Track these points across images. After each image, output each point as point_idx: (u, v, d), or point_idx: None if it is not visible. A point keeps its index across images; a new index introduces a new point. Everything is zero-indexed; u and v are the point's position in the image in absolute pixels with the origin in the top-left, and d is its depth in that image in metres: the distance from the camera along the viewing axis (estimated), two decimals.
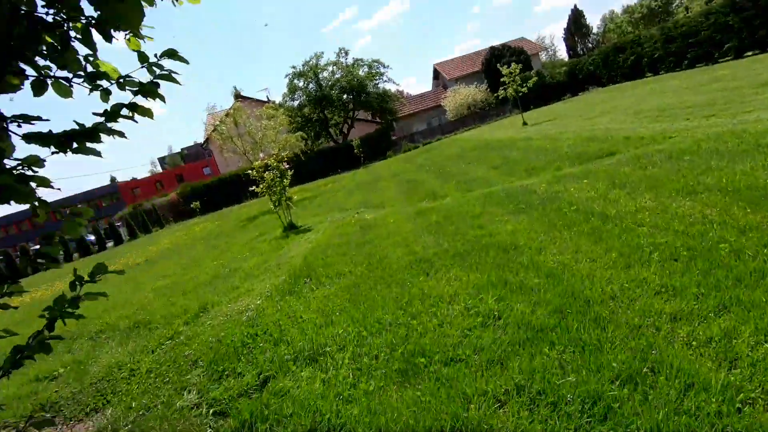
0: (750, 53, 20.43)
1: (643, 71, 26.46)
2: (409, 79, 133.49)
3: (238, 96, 35.22)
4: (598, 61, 29.82)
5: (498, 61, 35.58)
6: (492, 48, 37.44)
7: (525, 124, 20.33)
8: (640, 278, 2.99)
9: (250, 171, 10.71)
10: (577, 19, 38.67)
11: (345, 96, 36.26)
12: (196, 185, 35.20)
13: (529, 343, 2.60)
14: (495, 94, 21.14)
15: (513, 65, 20.71)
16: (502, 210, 5.93)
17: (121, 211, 37.48)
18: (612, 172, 6.03)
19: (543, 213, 5.12)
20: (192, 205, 29.93)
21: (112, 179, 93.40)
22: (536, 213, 5.22)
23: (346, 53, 36.42)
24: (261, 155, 10.74)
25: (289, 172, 10.59)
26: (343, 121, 37.40)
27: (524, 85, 20.41)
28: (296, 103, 35.98)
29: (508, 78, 20.49)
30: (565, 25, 40.61)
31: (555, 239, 4.17)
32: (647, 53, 25.09)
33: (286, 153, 19.54)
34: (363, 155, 30.40)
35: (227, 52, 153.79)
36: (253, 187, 10.47)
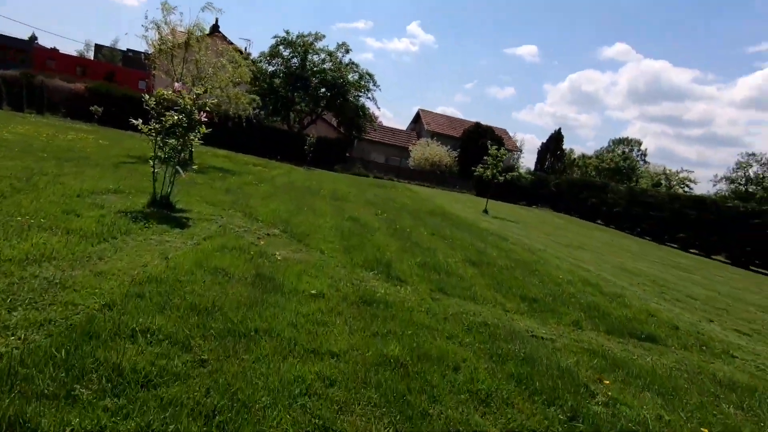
0: (694, 250, 20.62)
1: (597, 217, 26.40)
2: (386, 111, 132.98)
3: (215, 29, 30.24)
4: (563, 187, 29.65)
5: (479, 138, 34.62)
6: (477, 124, 36.51)
7: (486, 212, 18.34)
8: None
9: (144, 97, 6.86)
10: (558, 140, 39.61)
11: (323, 90, 32.75)
12: (114, 90, 28.88)
13: None
14: (472, 169, 18.95)
15: (502, 149, 18.89)
16: (520, 389, 2.91)
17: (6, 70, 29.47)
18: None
19: None
20: (92, 108, 23.85)
21: (33, 37, 78.68)
22: None
23: (347, 51, 33.20)
24: (177, 84, 6.92)
25: (203, 129, 6.93)
26: (308, 112, 33.63)
27: (504, 174, 18.57)
28: (271, 69, 31.69)
29: (492, 159, 18.55)
30: (537, 141, 42.03)
31: None
32: (609, 203, 24.99)
33: (213, 102, 15.49)
34: (311, 155, 26.75)
35: None
36: (136, 121, 6.59)
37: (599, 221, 26.18)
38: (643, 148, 52.64)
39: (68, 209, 5.35)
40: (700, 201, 20.96)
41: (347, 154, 33.18)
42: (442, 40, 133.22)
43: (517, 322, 4.62)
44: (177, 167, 6.86)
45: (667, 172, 44.07)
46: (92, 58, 69.86)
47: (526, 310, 5.10)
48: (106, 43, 73.26)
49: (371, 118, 35.15)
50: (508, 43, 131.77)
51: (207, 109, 7.23)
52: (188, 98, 6.81)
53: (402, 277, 5.38)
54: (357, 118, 32.93)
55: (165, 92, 6.65)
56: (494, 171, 18.27)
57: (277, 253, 5.33)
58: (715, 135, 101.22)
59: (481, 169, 18.96)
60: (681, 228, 20.73)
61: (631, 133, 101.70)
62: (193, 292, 3.61)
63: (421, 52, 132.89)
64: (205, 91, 9.96)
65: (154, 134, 6.62)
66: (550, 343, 4.13)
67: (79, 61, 67.43)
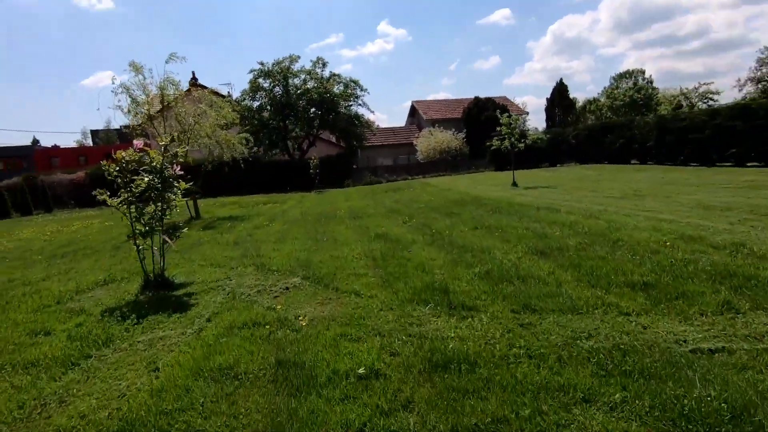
0: (754, 164, 18.48)
1: (630, 157, 24.38)
2: (379, 114, 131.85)
3: (194, 84, 29.65)
4: (582, 137, 27.68)
5: (481, 113, 32.96)
6: (476, 98, 34.83)
7: (515, 185, 16.79)
8: None
9: (103, 164, 5.80)
10: (561, 91, 37.48)
11: (312, 110, 31.77)
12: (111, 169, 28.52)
13: None
14: (487, 144, 17.40)
15: (513, 116, 17.32)
16: None
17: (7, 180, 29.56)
18: None
19: None
20: (93, 193, 23.38)
21: (35, 141, 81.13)
22: None
23: (324, 65, 32.16)
24: (136, 142, 5.81)
25: (183, 184, 5.78)
26: (305, 136, 32.68)
27: (522, 140, 17.00)
28: (256, 104, 30.91)
29: (506, 129, 17.00)
30: (536, 101, 39.84)
31: None
32: (638, 140, 22.97)
33: (183, 151, 14.53)
34: (318, 177, 25.70)
35: (196, 35, 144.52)
36: (99, 193, 5.53)
37: (634, 161, 24.15)
38: (647, 75, 49.85)
39: (37, 328, 4.24)
40: (745, 108, 18.79)
41: (354, 167, 32.05)
42: (414, 31, 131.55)
43: (651, 329, 3.21)
44: (164, 237, 5.73)
45: (684, 90, 41.21)
46: (91, 145, 71.31)
47: (647, 304, 3.67)
48: (100, 126, 74.56)
49: (368, 124, 33.95)
50: (480, 13, 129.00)
51: (181, 159, 6.10)
52: (155, 154, 5.69)
53: (467, 302, 4.03)
54: (353, 128, 31.79)
55: (124, 153, 5.54)
56: (512, 140, 16.70)
57: (301, 314, 4.06)
58: (715, 42, 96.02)
59: (497, 142, 17.42)
60: (729, 143, 18.63)
61: (627, 65, 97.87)
62: (188, 428, 2.37)
63: (396, 49, 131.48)
64: (173, 140, 8.88)
65: (125, 205, 5.50)
66: (730, 358, 2.72)
67: (79, 151, 68.80)
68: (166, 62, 14.36)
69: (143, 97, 13.70)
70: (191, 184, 6.06)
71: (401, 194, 16.88)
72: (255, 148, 31.08)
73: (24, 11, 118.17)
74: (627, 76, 55.42)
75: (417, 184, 22.00)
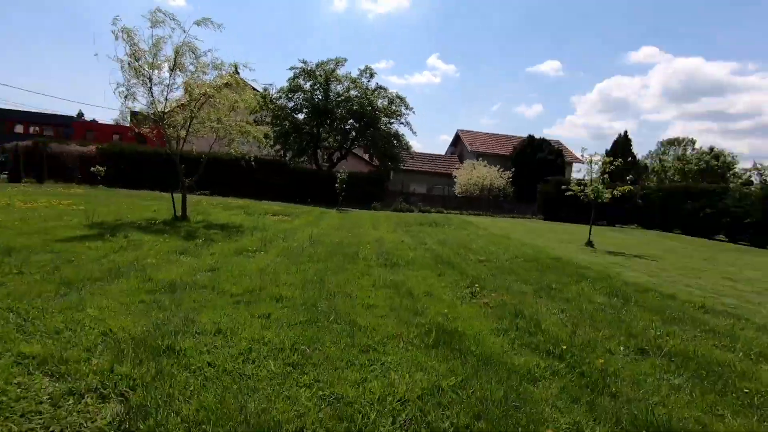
0: None
1: (716, 231, 19.90)
2: (415, 143, 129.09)
3: (238, 82, 26.99)
4: (654, 199, 23.35)
5: (535, 153, 29.08)
6: (531, 137, 31.00)
7: (590, 244, 12.72)
8: None
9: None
10: (624, 145, 33.28)
11: (350, 121, 28.58)
12: (126, 148, 25.83)
13: None
14: (578, 189, 13.11)
15: (604, 156, 13.33)
16: None
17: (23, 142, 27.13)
18: None
19: None
20: (93, 169, 20.42)
21: (80, 114, 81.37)
22: None
23: (371, 75, 29.00)
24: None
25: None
26: (337, 147, 29.41)
27: (610, 190, 12.96)
28: (292, 104, 27.89)
29: (598, 171, 13.01)
30: (576, 153, 35.08)
31: None
32: (736, 212, 18.54)
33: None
34: (344, 194, 22.14)
35: (253, 37, 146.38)
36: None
37: (721, 236, 19.68)
38: (697, 146, 44.92)
39: None
40: None
41: (385, 188, 28.43)
42: (463, 69, 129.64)
43: None
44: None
45: (759, 167, 36.32)
46: (128, 125, 70.63)
47: None
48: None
49: (408, 146, 30.50)
50: (530, 61, 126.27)
51: None
52: None
53: None
54: (391, 147, 28.33)
55: None
56: (600, 187, 12.68)
57: None
58: (765, 124, 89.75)
59: (576, 187, 13.42)
60: None
61: (672, 134, 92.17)
62: None
63: (443, 83, 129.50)
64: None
65: None
66: None
67: (115, 129, 68.00)
68: (197, 24, 11.14)
69: (148, 57, 10.43)
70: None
71: (443, 233, 12.98)
72: (281, 151, 28.08)
73: None
74: (676, 143, 50.79)
75: (456, 221, 18.07)
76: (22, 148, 24.33)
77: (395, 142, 28.91)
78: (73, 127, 61.10)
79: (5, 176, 20.86)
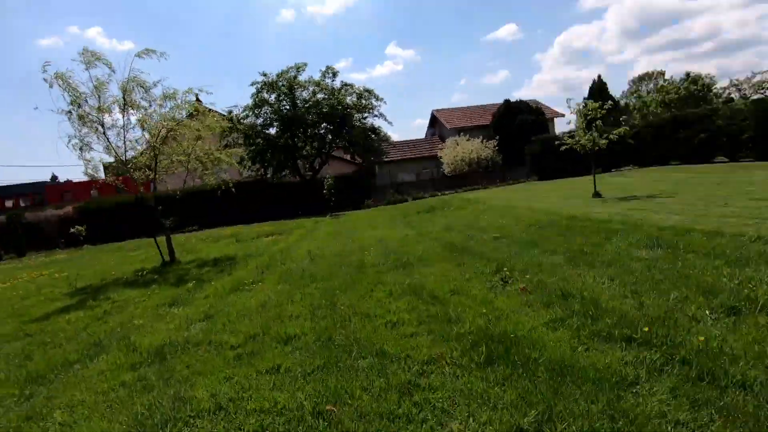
0: None
1: (713, 153, 19.41)
2: (392, 134, 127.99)
3: (199, 110, 26.00)
4: (645, 136, 22.80)
5: (513, 117, 28.43)
6: (507, 102, 30.36)
7: (598, 195, 12.13)
8: None
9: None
10: (600, 89, 32.70)
11: (324, 125, 27.71)
12: (104, 203, 24.84)
13: None
14: (573, 142, 12.53)
15: (589, 102, 12.70)
16: None
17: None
18: None
19: None
20: (73, 229, 19.45)
21: (53, 177, 79.25)
22: None
23: (334, 75, 28.09)
24: None
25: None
26: (316, 154, 28.55)
27: (605, 136, 12.35)
28: (260, 120, 26.96)
29: (581, 120, 12.41)
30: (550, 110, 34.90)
31: None
32: (731, 131, 18.02)
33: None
34: (333, 199, 21.39)
35: (200, 58, 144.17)
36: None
37: (721, 158, 19.21)
38: (667, 77, 44.36)
39: None
40: None
41: (373, 184, 27.66)
42: (422, 51, 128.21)
43: None
44: None
45: (736, 82, 35.92)
46: (103, 177, 69.01)
47: None
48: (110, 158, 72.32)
49: (386, 137, 29.69)
50: (487, 29, 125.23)
51: None
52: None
53: None
54: (370, 142, 27.52)
55: None
56: (594, 135, 12.05)
57: None
58: (727, 42, 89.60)
59: (570, 140, 12.79)
60: None
61: (639, 71, 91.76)
62: None
63: (406, 69, 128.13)
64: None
65: None
66: None
67: (92, 184, 66.42)
68: (138, 56, 10.30)
69: (92, 102, 9.56)
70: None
71: (445, 216, 12.31)
72: (261, 170, 27.18)
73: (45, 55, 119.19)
74: (647, 78, 50.37)
75: (454, 201, 17.40)
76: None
77: (373, 135, 28.11)
78: (47, 191, 59.63)
79: None
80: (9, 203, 54.78)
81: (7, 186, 60.22)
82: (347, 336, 3.55)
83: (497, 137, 29.27)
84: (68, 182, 68.77)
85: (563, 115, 33.25)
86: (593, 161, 12.97)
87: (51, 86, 8.53)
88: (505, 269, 4.97)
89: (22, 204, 54.83)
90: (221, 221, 21.74)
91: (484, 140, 29.43)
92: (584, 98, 35.62)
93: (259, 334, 3.92)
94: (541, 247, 6.19)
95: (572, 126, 31.17)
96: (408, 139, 37.21)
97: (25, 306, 7.46)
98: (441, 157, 30.50)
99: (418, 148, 35.35)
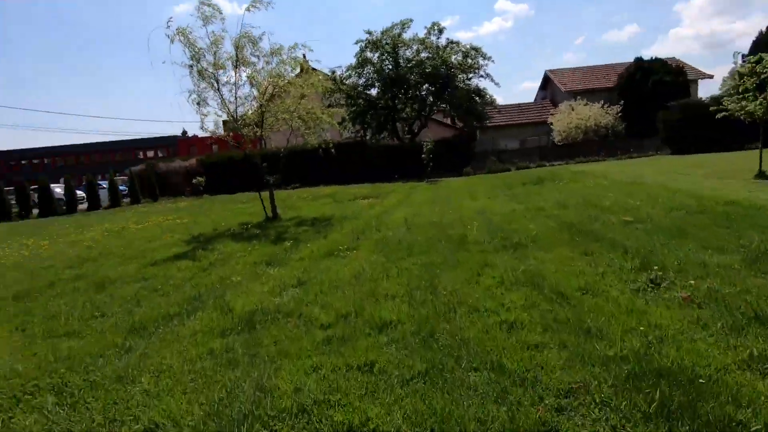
0: None
1: None
2: (497, 96, 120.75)
3: (303, 67, 26.62)
4: None
5: (646, 78, 24.32)
6: (638, 60, 26.00)
7: (764, 176, 9.67)
8: None
9: None
10: None
11: (426, 86, 26.55)
12: (219, 156, 27.08)
13: None
14: (737, 108, 10.08)
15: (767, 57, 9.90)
16: None
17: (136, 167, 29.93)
18: None
19: None
20: (195, 180, 21.56)
21: (183, 132, 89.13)
22: None
23: (440, 31, 26.40)
24: None
25: None
26: (416, 116, 27.67)
27: None
28: (362, 81, 26.68)
29: (751, 80, 9.77)
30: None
31: None
32: None
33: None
34: (431, 164, 20.58)
35: (303, 18, 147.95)
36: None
37: None
38: None
39: None
40: None
41: (473, 151, 26.07)
42: (536, 4, 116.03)
43: None
44: None
45: None
46: (216, 133, 76.21)
47: None
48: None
49: (491, 100, 27.58)
50: None
51: None
52: None
53: None
54: (473, 105, 25.76)
55: None
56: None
57: None
58: None
59: (733, 106, 10.22)
60: None
61: None
62: None
63: (516, 26, 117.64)
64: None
65: None
66: None
67: (212, 140, 73.50)
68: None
69: (208, 57, 9.88)
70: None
71: (558, 190, 10.86)
72: (360, 131, 27.17)
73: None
74: None
75: (566, 173, 15.46)
76: (136, 172, 26.68)
77: (477, 98, 26.28)
78: (179, 144, 67.62)
79: (128, 200, 23.01)
80: (150, 153, 63.39)
81: (148, 138, 69.37)
82: (453, 334, 2.93)
83: (621, 102, 25.43)
84: (195, 137, 77.28)
85: (711, 77, 27.60)
86: (763, 132, 10.25)
87: (173, 42, 8.90)
88: (654, 267, 3.88)
89: (159, 155, 63.08)
90: (321, 180, 22.33)
91: (606, 105, 25.80)
92: (742, 55, 29.07)
93: (351, 313, 3.50)
94: (696, 240, 4.85)
95: (721, 90, 25.70)
96: (516, 102, 34.28)
97: (149, 249, 8.15)
98: (552, 124, 27.59)
99: (525, 113, 32.44)
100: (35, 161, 62.25)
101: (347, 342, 2.96)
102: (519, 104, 34.05)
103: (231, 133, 12.16)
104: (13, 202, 19.33)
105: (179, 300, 4.49)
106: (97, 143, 64.32)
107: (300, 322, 3.47)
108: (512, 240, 5.63)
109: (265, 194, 11.40)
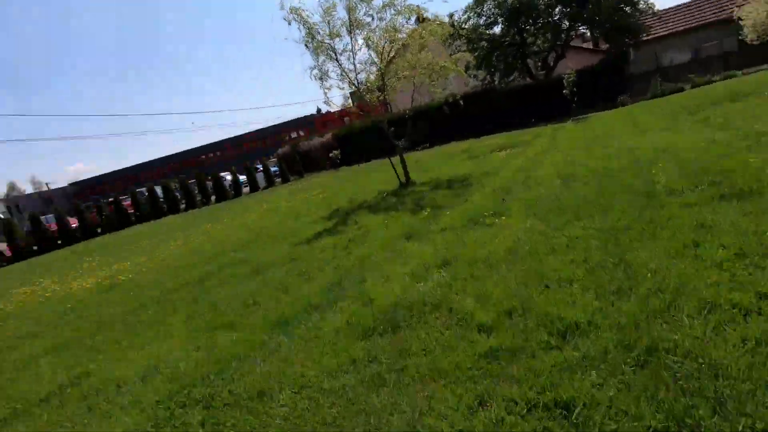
0: None
1: None
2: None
3: (419, 15, 25.18)
4: None
5: None
6: None
7: None
8: None
9: None
10: None
11: (558, 8, 22.58)
12: (349, 128, 27.89)
13: None
14: None
15: None
16: None
17: (282, 149, 32.94)
18: None
19: None
20: (331, 154, 22.56)
21: (318, 110, 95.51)
22: None
23: None
24: None
25: None
26: (550, 48, 23.93)
27: None
28: (483, 20, 23.96)
29: None
30: None
31: None
32: None
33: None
34: (576, 99, 17.57)
35: None
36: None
37: None
38: None
39: None
40: None
41: (625, 74, 21.40)
42: None
43: None
44: None
45: None
46: (339, 106, 79.48)
47: None
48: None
49: (648, 5, 22.09)
50: None
51: None
52: None
53: None
54: (623, 17, 20.97)
55: None
56: None
57: None
58: None
59: None
60: None
61: None
62: None
63: None
64: None
65: None
66: None
67: (342, 113, 77.56)
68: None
69: (324, 27, 9.62)
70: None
71: None
72: (487, 77, 24.73)
73: None
74: None
75: None
76: (282, 154, 29.26)
77: (626, 8, 21.28)
78: (315, 122, 72.75)
79: (279, 180, 25.46)
80: (293, 135, 69.74)
81: (292, 120, 76.12)
82: (689, 351, 1.88)
83: None
84: (328, 113, 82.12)
85: None
86: None
87: (289, 23, 8.77)
88: None
89: (300, 134, 68.95)
90: (450, 137, 21.20)
91: None
92: None
93: (516, 309, 2.67)
94: None
95: None
96: (677, 3, 26.99)
97: (297, 227, 8.46)
98: (740, 19, 20.86)
99: (696, 15, 25.32)
100: (203, 156, 72.83)
101: (519, 357, 2.17)
102: (687, 2, 26.71)
103: (357, 103, 11.96)
104: (196, 191, 23.07)
105: (322, 286, 4.27)
106: (249, 132, 72.75)
107: (452, 320, 2.79)
108: (732, 185, 3.96)
109: (396, 159, 10.97)
